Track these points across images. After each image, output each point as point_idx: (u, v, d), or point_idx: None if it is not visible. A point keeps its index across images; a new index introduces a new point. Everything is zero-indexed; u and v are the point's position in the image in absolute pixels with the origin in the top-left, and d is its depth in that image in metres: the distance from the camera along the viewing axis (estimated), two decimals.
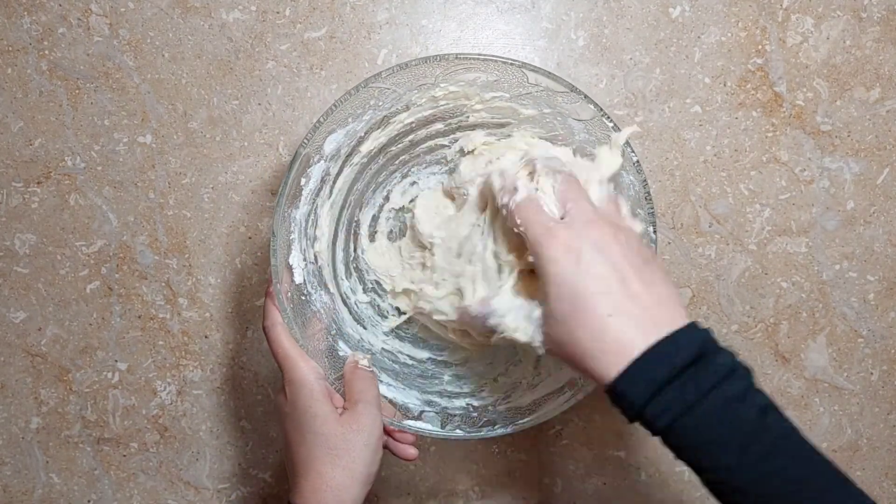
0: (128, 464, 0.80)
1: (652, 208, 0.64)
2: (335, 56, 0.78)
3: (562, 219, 0.54)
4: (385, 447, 0.65)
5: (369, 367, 0.65)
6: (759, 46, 0.78)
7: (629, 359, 0.49)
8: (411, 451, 0.66)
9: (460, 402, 0.69)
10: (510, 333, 0.57)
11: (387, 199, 0.75)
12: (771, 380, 0.79)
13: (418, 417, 0.67)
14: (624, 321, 0.50)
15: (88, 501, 0.80)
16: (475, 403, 0.69)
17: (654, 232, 0.64)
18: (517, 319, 0.57)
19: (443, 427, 0.66)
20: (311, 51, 0.78)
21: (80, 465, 0.80)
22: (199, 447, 0.80)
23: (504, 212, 0.58)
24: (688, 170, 0.78)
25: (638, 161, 0.64)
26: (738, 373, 0.49)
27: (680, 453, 0.50)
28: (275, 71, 0.78)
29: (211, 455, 0.81)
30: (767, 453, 0.48)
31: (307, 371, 0.61)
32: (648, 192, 0.64)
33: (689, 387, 0.48)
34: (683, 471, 0.79)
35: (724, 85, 0.78)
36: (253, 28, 0.78)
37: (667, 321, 0.50)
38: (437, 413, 0.68)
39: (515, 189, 0.57)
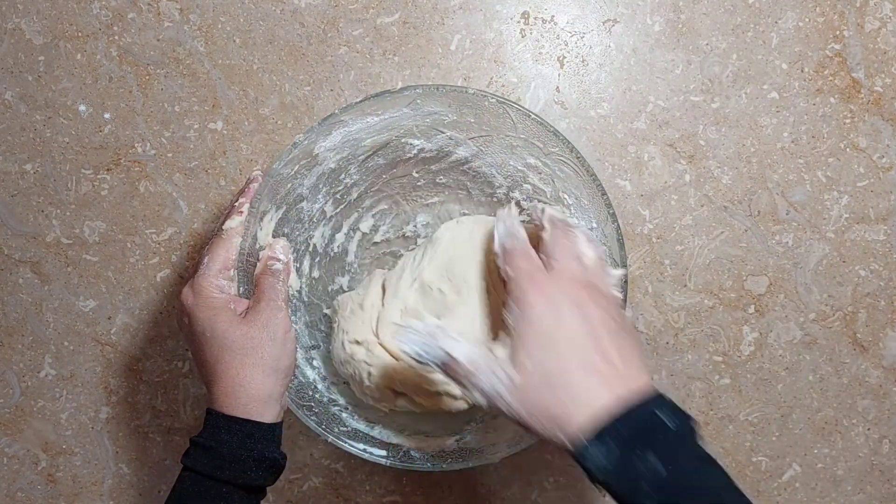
0: None
1: (625, 257, 0.67)
2: (408, 41, 0.77)
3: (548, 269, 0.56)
4: None
5: (283, 258, 0.65)
6: (837, 32, 0.77)
7: (592, 411, 0.49)
8: None
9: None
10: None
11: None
12: (849, 369, 0.78)
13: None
14: (591, 375, 0.51)
15: (159, 491, 0.79)
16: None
17: (625, 285, 0.66)
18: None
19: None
20: (384, 36, 0.77)
21: (151, 455, 0.79)
22: None
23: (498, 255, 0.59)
24: (765, 157, 0.77)
25: (613, 213, 0.66)
26: (697, 434, 0.50)
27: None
28: (347, 57, 0.77)
29: (283, 445, 0.80)
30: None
31: (211, 288, 0.62)
32: (621, 238, 0.66)
33: (659, 453, 0.48)
34: (761, 461, 0.78)
35: (802, 71, 0.77)
36: (325, 13, 0.77)
37: (631, 383, 0.51)
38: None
39: (514, 235, 0.59)
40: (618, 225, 0.66)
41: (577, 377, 0.51)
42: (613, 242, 0.67)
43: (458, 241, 0.69)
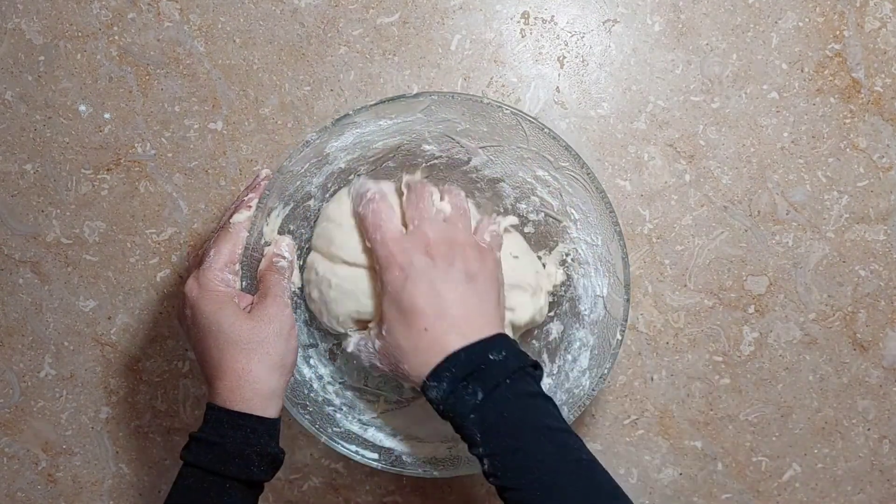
0: None
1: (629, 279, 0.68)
2: (408, 41, 0.77)
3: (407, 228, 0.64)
4: None
5: (288, 256, 0.66)
6: (837, 32, 0.77)
7: (438, 360, 0.59)
8: None
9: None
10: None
11: None
12: (849, 369, 0.78)
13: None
14: (438, 332, 0.59)
15: (159, 491, 0.79)
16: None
17: (627, 297, 0.67)
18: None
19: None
20: (384, 36, 0.77)
21: (151, 455, 0.79)
22: None
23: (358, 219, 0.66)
24: (765, 157, 0.78)
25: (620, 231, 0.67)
26: (528, 371, 0.58)
27: (471, 443, 0.58)
28: (347, 57, 0.77)
29: (283, 445, 0.80)
30: (527, 443, 0.56)
31: (217, 282, 0.62)
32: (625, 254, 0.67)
33: (482, 383, 0.57)
34: (761, 461, 0.78)
35: (802, 71, 0.77)
36: (325, 13, 0.77)
37: (476, 332, 0.59)
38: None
39: (366, 195, 0.66)
40: (623, 243, 0.66)
41: (425, 336, 0.60)
42: (618, 260, 0.67)
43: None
